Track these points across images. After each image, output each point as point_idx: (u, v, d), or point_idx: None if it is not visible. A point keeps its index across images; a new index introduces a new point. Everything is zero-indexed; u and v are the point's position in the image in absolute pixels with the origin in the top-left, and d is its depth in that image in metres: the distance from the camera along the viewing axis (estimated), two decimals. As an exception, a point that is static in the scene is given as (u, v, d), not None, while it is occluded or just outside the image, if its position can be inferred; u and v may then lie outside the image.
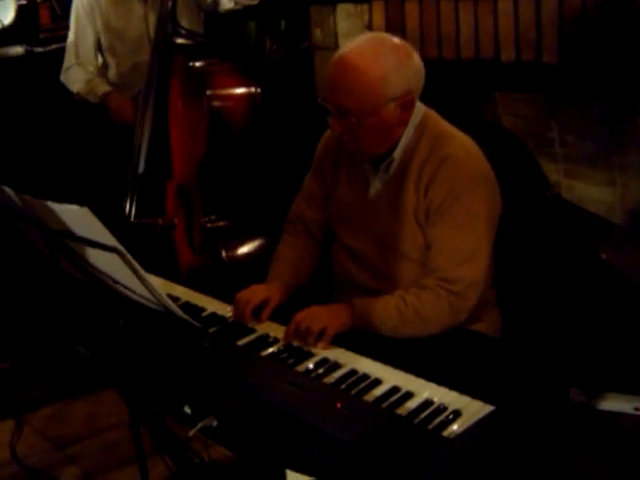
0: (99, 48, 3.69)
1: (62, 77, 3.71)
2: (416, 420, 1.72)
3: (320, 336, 2.07)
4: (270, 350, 2.07)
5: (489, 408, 1.74)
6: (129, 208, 3.38)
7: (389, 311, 2.16)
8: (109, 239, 1.81)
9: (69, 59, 3.69)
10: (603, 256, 2.67)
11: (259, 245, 3.22)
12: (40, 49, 4.23)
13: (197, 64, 3.31)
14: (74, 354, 2.16)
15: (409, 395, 1.82)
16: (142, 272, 1.88)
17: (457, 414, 1.72)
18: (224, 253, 3.17)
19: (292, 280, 2.40)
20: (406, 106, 2.20)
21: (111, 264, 1.88)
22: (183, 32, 3.46)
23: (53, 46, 4.19)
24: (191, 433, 1.78)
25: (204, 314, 2.28)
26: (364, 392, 1.85)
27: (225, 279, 3.10)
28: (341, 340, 2.09)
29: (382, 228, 2.29)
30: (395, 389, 1.84)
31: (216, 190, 3.25)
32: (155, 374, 2.00)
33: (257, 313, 2.23)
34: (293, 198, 2.56)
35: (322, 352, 2.04)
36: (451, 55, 3.54)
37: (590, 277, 2.80)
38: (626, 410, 2.70)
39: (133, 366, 2.04)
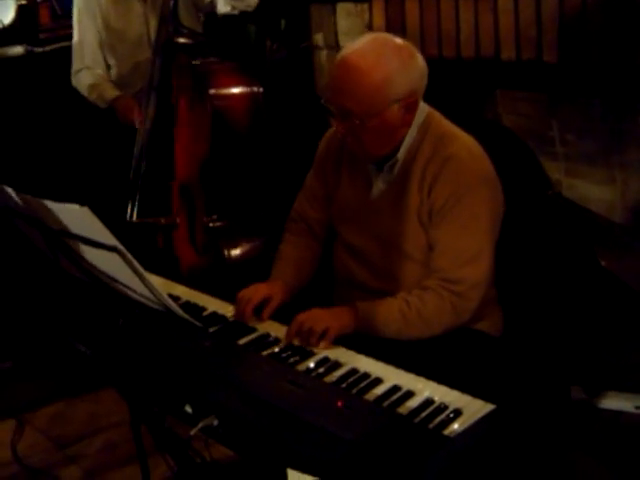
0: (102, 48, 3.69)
1: (73, 81, 3.70)
2: (417, 419, 1.72)
3: (322, 337, 2.07)
4: (271, 349, 2.07)
5: (490, 407, 1.74)
6: (131, 208, 3.38)
7: (392, 314, 2.15)
8: (109, 239, 1.81)
9: (77, 62, 3.68)
10: (603, 263, 2.67)
11: (261, 245, 3.22)
12: (40, 49, 4.23)
13: (199, 63, 3.31)
14: (75, 354, 2.15)
15: (410, 394, 1.81)
16: (142, 271, 1.88)
17: (458, 413, 1.72)
18: (226, 253, 3.17)
19: (294, 279, 2.40)
20: (410, 107, 2.19)
21: (111, 263, 1.88)
22: (185, 31, 3.46)
23: (53, 46, 4.19)
24: (192, 432, 1.78)
25: (205, 313, 2.28)
26: (365, 391, 1.85)
27: (227, 278, 3.10)
28: (342, 339, 2.09)
29: (385, 228, 2.29)
30: (396, 388, 1.84)
31: (218, 189, 3.25)
32: (156, 373, 2.00)
33: (258, 312, 2.23)
34: (295, 197, 2.56)
35: (323, 351, 2.04)
36: (451, 54, 3.54)
37: (591, 276, 2.80)
38: (627, 408, 2.70)
39: (134, 365, 2.04)
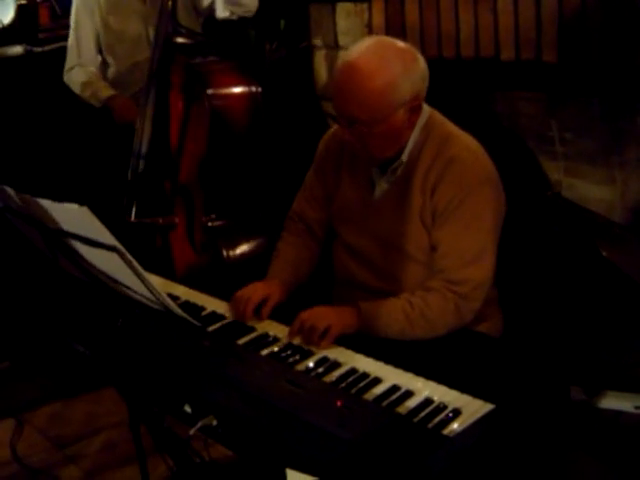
0: (98, 47, 3.69)
1: (65, 78, 3.71)
2: (416, 419, 1.72)
3: (324, 335, 2.07)
4: (270, 349, 2.07)
5: (489, 407, 1.74)
6: (130, 207, 3.38)
7: (395, 315, 2.15)
8: (108, 238, 1.81)
9: (71, 59, 3.69)
10: (604, 253, 2.67)
11: (260, 244, 3.22)
12: (39, 49, 4.23)
13: (198, 63, 3.31)
14: (74, 353, 2.15)
15: (409, 394, 1.82)
16: (142, 271, 1.88)
17: (457, 413, 1.72)
18: (225, 252, 3.17)
19: (292, 279, 2.40)
20: (414, 110, 2.19)
21: (110, 263, 1.87)
22: (183, 31, 3.46)
23: (52, 46, 4.18)
24: (191, 432, 1.78)
25: (204, 313, 2.28)
26: (364, 391, 1.85)
27: (226, 278, 3.10)
28: (341, 339, 2.09)
29: (387, 229, 2.29)
30: (395, 388, 1.84)
31: (217, 189, 3.25)
32: (155, 373, 2.00)
33: (257, 311, 2.23)
34: (294, 197, 2.56)
35: (322, 351, 2.04)
36: (451, 54, 3.54)
37: (591, 276, 2.80)
38: (626, 408, 2.70)
39: (133, 365, 2.04)
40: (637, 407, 2.69)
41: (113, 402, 3.18)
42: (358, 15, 3.99)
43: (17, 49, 4.25)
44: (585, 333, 2.77)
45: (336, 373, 1.93)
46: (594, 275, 2.79)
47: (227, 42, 4.08)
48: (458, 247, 2.18)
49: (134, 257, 1.85)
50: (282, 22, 4.40)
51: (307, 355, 2.02)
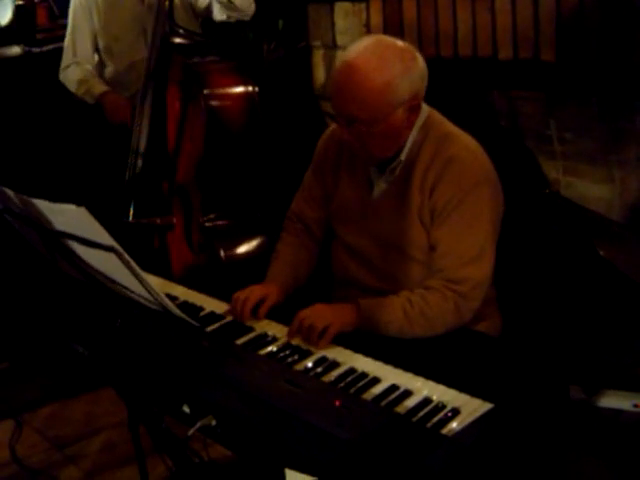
0: (96, 47, 3.69)
1: (61, 76, 3.72)
2: (415, 418, 1.72)
3: (323, 333, 2.07)
4: (269, 349, 2.07)
5: (488, 406, 1.74)
6: (127, 208, 3.38)
7: (395, 312, 2.15)
8: (106, 239, 1.81)
9: (67, 58, 3.70)
10: (601, 253, 2.67)
11: (257, 244, 3.22)
12: (37, 49, 4.23)
13: (195, 63, 3.31)
14: (72, 354, 2.15)
15: (408, 393, 1.81)
16: (140, 271, 1.88)
17: (456, 412, 1.72)
18: (222, 252, 3.17)
19: (290, 280, 2.40)
20: (413, 109, 2.19)
21: (109, 264, 1.87)
22: (181, 31, 3.46)
23: (50, 46, 4.19)
24: (190, 432, 1.78)
25: (202, 313, 2.28)
26: (362, 390, 1.84)
27: (224, 278, 3.10)
28: (340, 338, 2.09)
29: (385, 228, 2.29)
30: (394, 387, 1.84)
31: (214, 189, 3.25)
32: (154, 373, 2.00)
33: (254, 312, 2.23)
34: (292, 197, 2.56)
35: (321, 350, 2.04)
36: (449, 53, 3.54)
37: (589, 275, 2.80)
38: (625, 407, 2.70)
39: (131, 366, 2.04)
40: (636, 405, 2.68)
41: (112, 402, 3.18)
42: (356, 15, 4.00)
43: (15, 49, 4.25)
44: (584, 332, 2.77)
45: (335, 373, 1.93)
46: (593, 274, 2.79)
47: (225, 42, 4.09)
48: (457, 246, 2.18)
49: (132, 257, 1.85)
50: (280, 22, 4.41)
51: (306, 355, 2.02)
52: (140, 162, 3.38)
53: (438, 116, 2.31)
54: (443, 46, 3.55)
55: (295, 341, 2.09)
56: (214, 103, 3.19)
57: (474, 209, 2.18)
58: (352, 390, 1.84)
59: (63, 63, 3.70)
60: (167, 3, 3.29)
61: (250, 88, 3.26)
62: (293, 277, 2.42)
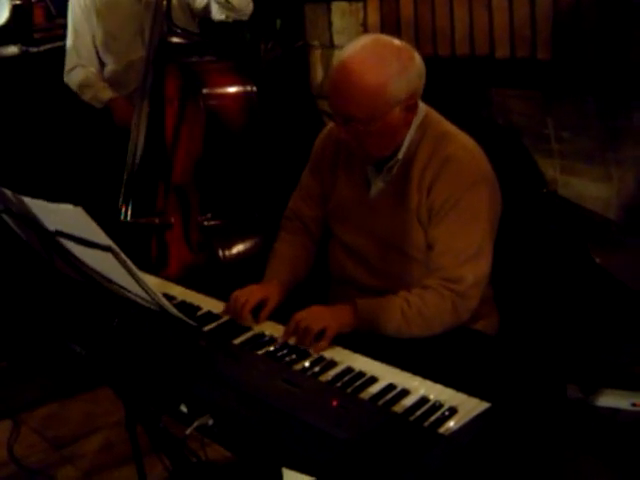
0: (96, 47, 3.69)
1: (66, 79, 3.71)
2: (412, 417, 1.72)
3: (319, 336, 2.06)
4: (266, 348, 2.07)
5: (485, 405, 1.74)
6: (125, 208, 3.38)
7: (393, 312, 2.15)
8: (103, 239, 1.80)
9: (70, 60, 3.69)
10: (597, 260, 2.67)
11: (255, 244, 3.22)
12: (35, 49, 4.22)
13: (193, 62, 3.31)
14: (70, 354, 2.15)
15: (405, 393, 1.81)
16: (136, 271, 1.88)
17: (453, 411, 1.72)
18: (220, 252, 3.17)
19: (290, 278, 2.40)
20: (411, 108, 2.19)
21: (106, 263, 1.87)
22: (178, 31, 3.46)
23: (48, 46, 4.18)
24: (187, 432, 1.77)
25: (200, 313, 2.28)
26: (360, 390, 1.84)
27: (222, 278, 3.10)
28: (337, 338, 2.08)
29: (383, 227, 2.29)
30: (391, 387, 1.84)
31: (213, 189, 3.25)
32: (151, 373, 2.00)
33: (255, 313, 2.23)
34: (290, 196, 2.56)
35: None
36: (446, 52, 3.55)
37: (586, 274, 2.80)
38: (623, 406, 2.70)
39: (129, 365, 2.04)
40: (634, 404, 2.68)
41: (110, 402, 3.17)
42: (353, 14, 4.00)
43: (12, 49, 4.24)
44: (581, 331, 2.77)
45: (332, 372, 1.93)
46: (590, 273, 2.79)
47: (223, 42, 4.09)
48: (455, 245, 2.18)
49: (129, 257, 1.85)
50: (278, 22, 4.41)
51: (303, 354, 2.02)
52: (139, 162, 3.38)
53: (436, 115, 2.31)
54: (440, 45, 3.56)
55: (292, 341, 2.09)
56: (213, 103, 3.19)
57: (471, 208, 2.18)
58: (349, 389, 1.84)
59: (67, 66, 3.70)
60: (165, 3, 3.29)
61: (249, 88, 3.27)
62: (292, 274, 2.41)
